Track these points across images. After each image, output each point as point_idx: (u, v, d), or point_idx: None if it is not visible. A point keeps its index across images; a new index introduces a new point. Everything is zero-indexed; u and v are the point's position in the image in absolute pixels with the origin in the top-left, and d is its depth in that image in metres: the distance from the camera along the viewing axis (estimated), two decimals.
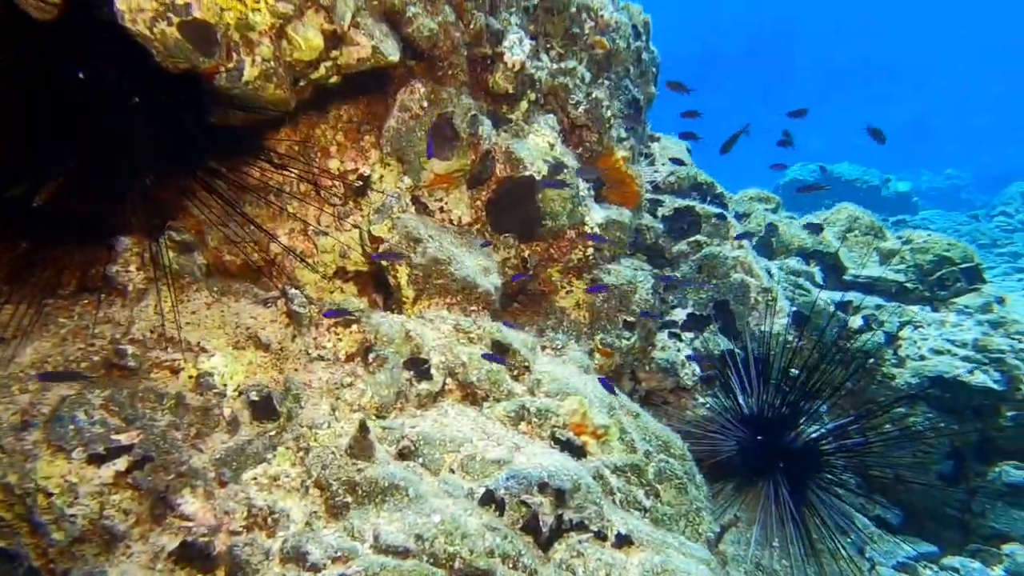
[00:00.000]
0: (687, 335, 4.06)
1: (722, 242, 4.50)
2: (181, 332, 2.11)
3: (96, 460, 1.85)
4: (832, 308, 5.36)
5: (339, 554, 1.84)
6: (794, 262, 6.10)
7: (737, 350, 4.09)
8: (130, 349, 2.00)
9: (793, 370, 4.15)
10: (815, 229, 6.30)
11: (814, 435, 3.87)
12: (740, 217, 6.47)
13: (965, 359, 5.35)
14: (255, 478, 2.04)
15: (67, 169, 2.28)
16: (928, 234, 6.77)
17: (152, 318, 2.13)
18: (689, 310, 4.24)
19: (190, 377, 2.09)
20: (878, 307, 5.95)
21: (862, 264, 6.60)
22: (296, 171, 2.99)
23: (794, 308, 5.05)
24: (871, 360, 5.34)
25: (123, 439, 1.86)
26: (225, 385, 2.14)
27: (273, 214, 3.01)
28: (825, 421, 4.28)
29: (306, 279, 3.07)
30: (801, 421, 3.88)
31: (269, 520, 1.96)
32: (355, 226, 2.99)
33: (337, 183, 2.97)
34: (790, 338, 4.47)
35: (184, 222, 2.85)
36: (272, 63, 2.10)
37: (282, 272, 3.01)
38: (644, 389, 3.53)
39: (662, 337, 3.76)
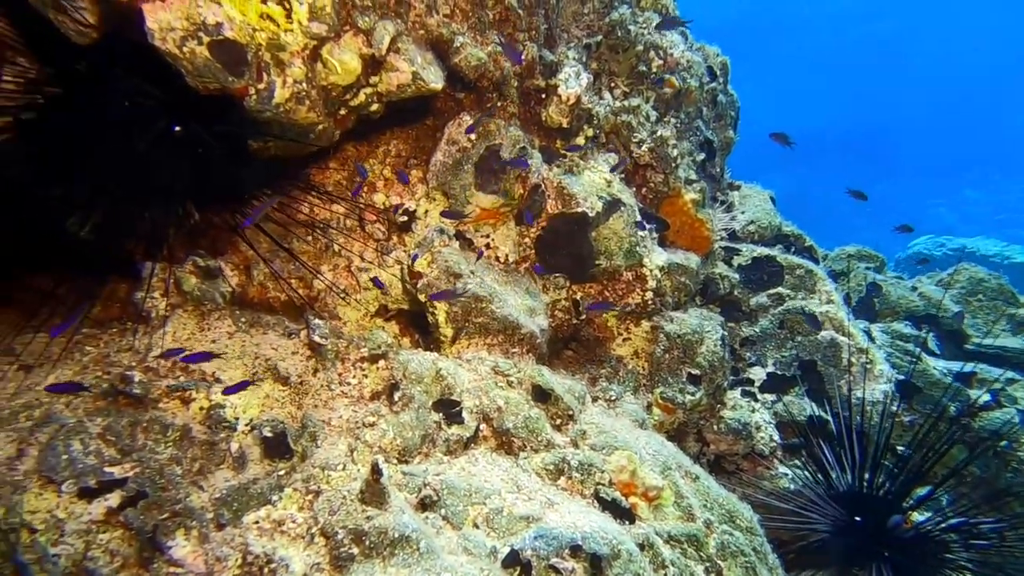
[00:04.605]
0: (767, 396, 3.61)
1: (808, 296, 4.06)
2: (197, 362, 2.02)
3: (87, 494, 1.72)
4: (950, 379, 4.68)
5: None
6: (902, 326, 5.48)
7: (827, 417, 3.59)
8: (137, 376, 1.91)
9: (899, 446, 3.57)
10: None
11: (929, 525, 3.25)
12: (836, 276, 5.92)
13: None
14: (257, 522, 1.86)
15: (114, 199, 2.32)
16: None
17: (170, 346, 2.05)
18: (770, 369, 3.80)
19: (201, 408, 1.97)
20: (1010, 381, 5.14)
21: (989, 332, 5.82)
22: (344, 207, 2.95)
23: (901, 376, 4.45)
24: (1003, 442, 4.57)
25: (116, 472, 1.74)
26: (236, 419, 2.01)
27: (319, 250, 2.96)
28: (947, 512, 3.61)
29: (348, 317, 2.97)
30: (910, 506, 3.29)
31: (265, 570, 1.76)
32: (398, 262, 2.89)
33: (382, 219, 2.90)
34: (895, 408, 3.90)
35: (232, 256, 2.86)
36: (304, 85, 2.05)
37: (324, 309, 2.93)
38: (712, 453, 3.12)
39: (734, 395, 3.35)
